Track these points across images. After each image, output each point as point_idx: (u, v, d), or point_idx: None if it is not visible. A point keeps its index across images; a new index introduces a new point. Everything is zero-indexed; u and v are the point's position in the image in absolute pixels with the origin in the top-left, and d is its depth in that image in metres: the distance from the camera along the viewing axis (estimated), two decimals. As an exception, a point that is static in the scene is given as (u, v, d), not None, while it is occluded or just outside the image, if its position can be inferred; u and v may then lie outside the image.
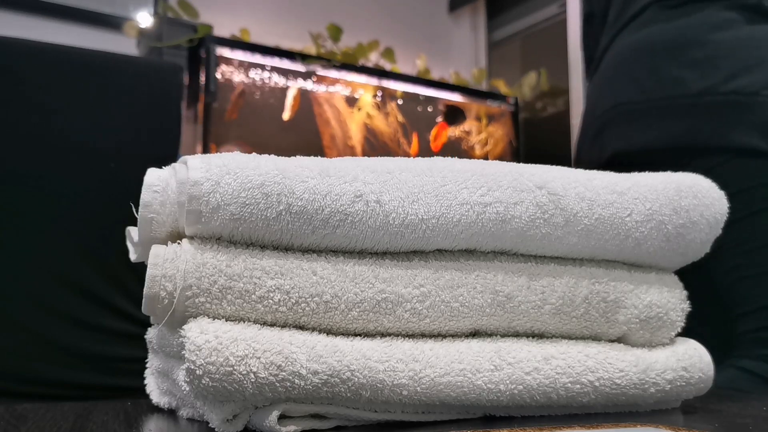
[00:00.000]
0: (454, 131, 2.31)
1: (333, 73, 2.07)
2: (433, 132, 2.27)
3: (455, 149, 2.30)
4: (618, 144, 0.84)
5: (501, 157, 2.33)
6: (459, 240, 0.41)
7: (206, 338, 0.34)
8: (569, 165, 0.49)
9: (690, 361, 0.45)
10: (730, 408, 0.50)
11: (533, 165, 0.45)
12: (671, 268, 0.48)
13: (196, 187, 0.36)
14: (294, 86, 2.01)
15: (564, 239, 0.43)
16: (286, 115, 1.99)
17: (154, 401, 0.46)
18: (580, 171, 0.45)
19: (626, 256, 0.45)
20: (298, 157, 0.40)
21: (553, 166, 0.45)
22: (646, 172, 0.47)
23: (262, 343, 0.35)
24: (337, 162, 0.40)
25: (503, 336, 0.42)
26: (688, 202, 0.45)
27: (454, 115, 2.32)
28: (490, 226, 0.41)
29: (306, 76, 2.04)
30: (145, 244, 0.39)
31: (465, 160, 0.43)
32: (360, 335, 0.39)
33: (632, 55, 0.86)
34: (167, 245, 0.37)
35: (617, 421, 0.40)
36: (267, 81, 2.00)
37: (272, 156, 0.39)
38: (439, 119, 2.29)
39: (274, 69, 2.01)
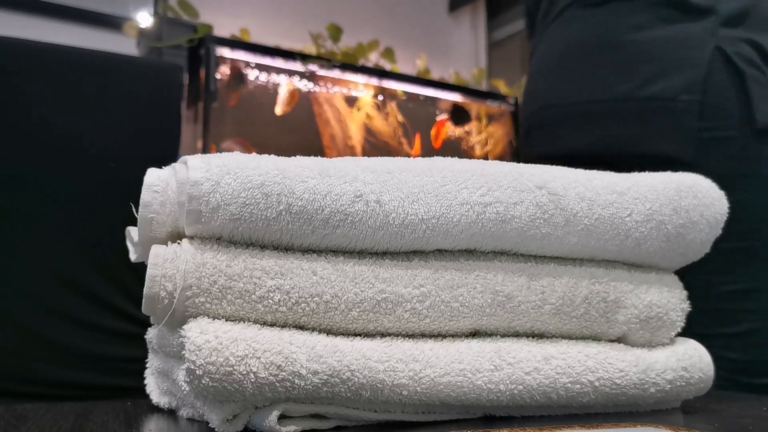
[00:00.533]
0: (454, 131, 2.31)
1: (333, 73, 2.08)
2: (434, 131, 2.27)
3: (455, 149, 2.30)
4: (544, 147, 0.83)
5: (501, 157, 2.33)
6: (459, 240, 0.41)
7: (206, 338, 0.34)
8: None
9: (690, 361, 0.45)
10: (730, 408, 0.50)
11: (533, 165, 0.45)
12: (671, 268, 0.48)
13: (196, 187, 0.36)
14: (286, 81, 2.00)
15: (564, 239, 0.43)
16: (278, 110, 1.98)
17: (154, 401, 0.46)
18: (580, 171, 0.45)
19: (626, 256, 0.45)
20: (298, 157, 0.40)
21: (553, 166, 0.45)
22: (646, 172, 0.47)
23: (262, 343, 0.35)
24: (337, 162, 0.40)
25: (503, 336, 0.42)
26: (688, 202, 0.45)
27: (460, 115, 2.32)
28: (490, 226, 0.41)
29: (306, 76, 2.04)
30: (145, 244, 0.39)
31: (465, 160, 0.43)
32: (360, 335, 0.39)
33: (555, 56, 0.85)
34: (167, 245, 0.37)
35: (617, 421, 0.40)
36: (267, 81, 2.00)
37: (272, 156, 0.39)
38: (440, 116, 2.29)
39: (274, 69, 2.01)
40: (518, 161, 0.47)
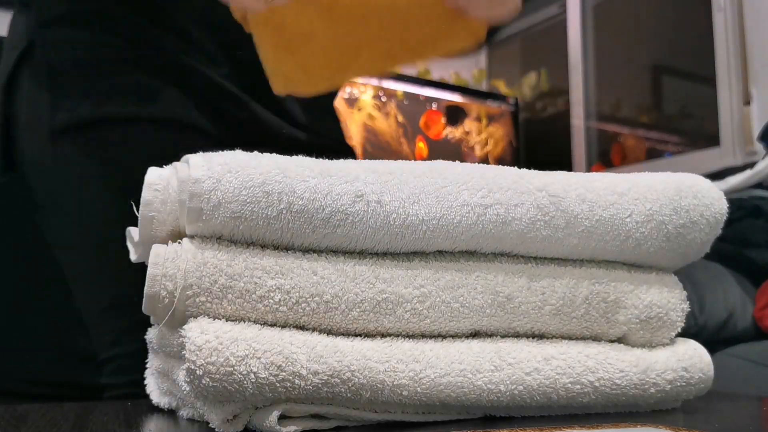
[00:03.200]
0: (453, 133, 2.31)
1: (333, 74, 2.06)
2: (422, 121, 2.24)
3: (456, 149, 2.30)
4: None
5: (501, 157, 2.33)
6: (459, 241, 0.41)
7: (206, 338, 0.34)
8: (569, 165, 0.49)
9: (690, 361, 0.45)
10: (730, 408, 0.50)
11: (534, 171, 0.45)
12: (671, 268, 0.48)
13: (198, 185, 0.36)
14: None
15: (564, 241, 0.43)
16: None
17: (154, 401, 0.46)
18: (581, 173, 0.45)
19: (627, 256, 0.45)
20: (299, 156, 0.40)
21: (554, 172, 0.45)
22: (646, 173, 0.47)
23: (263, 343, 0.35)
24: (338, 162, 0.40)
25: (503, 336, 0.42)
26: (688, 202, 0.45)
27: (454, 113, 2.32)
28: (491, 228, 0.41)
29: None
30: (145, 243, 0.39)
31: (466, 164, 0.43)
32: (360, 335, 0.39)
33: None
34: (168, 245, 0.37)
35: (617, 421, 0.40)
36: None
37: (274, 155, 0.39)
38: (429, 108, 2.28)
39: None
40: (519, 161, 0.47)
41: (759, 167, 1.29)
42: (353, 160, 0.41)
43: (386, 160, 0.42)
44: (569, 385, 0.41)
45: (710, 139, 1.89)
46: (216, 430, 0.36)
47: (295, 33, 0.51)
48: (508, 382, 0.40)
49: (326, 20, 0.51)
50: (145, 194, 0.39)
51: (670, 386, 0.44)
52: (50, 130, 0.64)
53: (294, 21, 0.50)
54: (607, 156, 2.26)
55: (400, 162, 0.42)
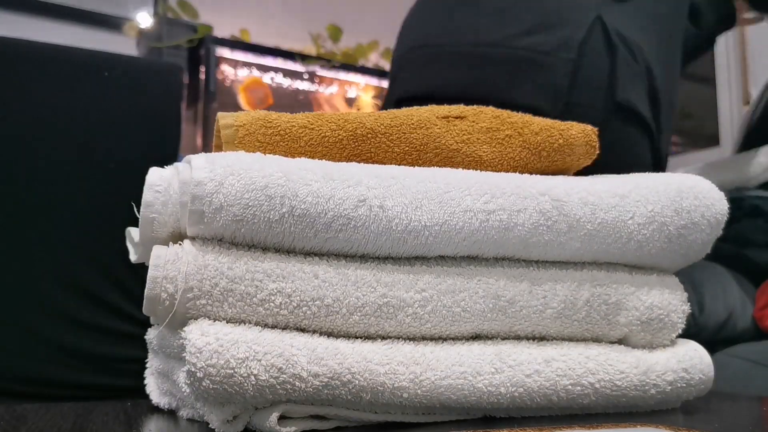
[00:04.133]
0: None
1: (333, 74, 2.07)
2: None
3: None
4: (406, 86, 0.81)
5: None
6: (461, 247, 0.41)
7: (207, 340, 0.34)
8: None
9: (690, 362, 0.45)
10: (730, 408, 0.50)
11: (536, 176, 0.44)
12: (672, 269, 0.48)
13: (200, 187, 0.36)
14: (241, 76, 1.96)
15: (567, 245, 0.43)
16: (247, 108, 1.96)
17: (154, 401, 0.46)
18: (583, 177, 0.45)
19: (628, 258, 0.45)
20: (302, 159, 0.40)
21: (556, 176, 0.45)
22: (646, 173, 0.47)
23: (263, 345, 0.35)
24: (341, 165, 0.40)
25: (504, 339, 0.42)
26: (689, 203, 0.45)
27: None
28: (493, 234, 0.41)
29: (306, 76, 2.04)
30: (146, 244, 0.39)
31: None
32: (361, 338, 0.39)
33: None
34: (168, 246, 0.37)
35: (617, 421, 0.40)
36: (271, 82, 1.99)
37: (277, 157, 0.39)
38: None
39: (273, 69, 2.00)
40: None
41: (759, 167, 1.28)
42: (356, 164, 0.41)
43: (389, 165, 0.42)
44: (569, 386, 0.41)
45: (710, 139, 1.89)
46: (216, 430, 0.36)
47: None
48: (508, 384, 0.40)
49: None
50: (146, 195, 0.38)
51: (670, 387, 0.44)
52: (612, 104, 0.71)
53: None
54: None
55: (403, 167, 0.42)
